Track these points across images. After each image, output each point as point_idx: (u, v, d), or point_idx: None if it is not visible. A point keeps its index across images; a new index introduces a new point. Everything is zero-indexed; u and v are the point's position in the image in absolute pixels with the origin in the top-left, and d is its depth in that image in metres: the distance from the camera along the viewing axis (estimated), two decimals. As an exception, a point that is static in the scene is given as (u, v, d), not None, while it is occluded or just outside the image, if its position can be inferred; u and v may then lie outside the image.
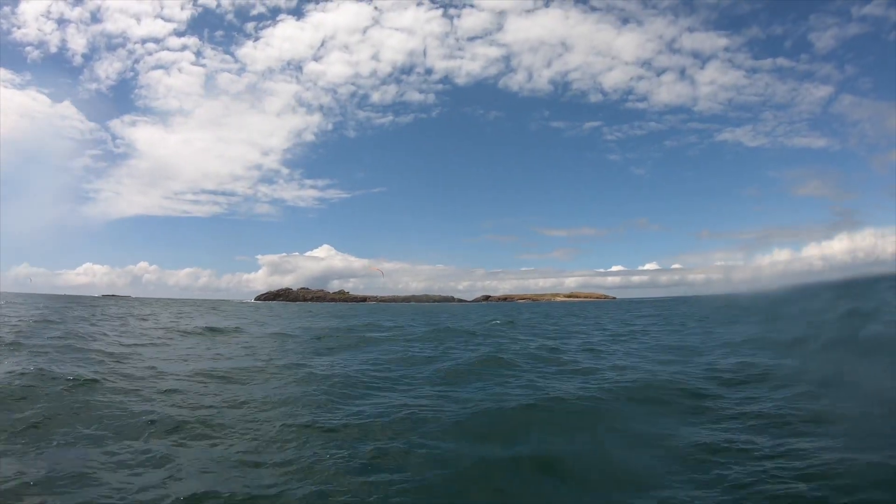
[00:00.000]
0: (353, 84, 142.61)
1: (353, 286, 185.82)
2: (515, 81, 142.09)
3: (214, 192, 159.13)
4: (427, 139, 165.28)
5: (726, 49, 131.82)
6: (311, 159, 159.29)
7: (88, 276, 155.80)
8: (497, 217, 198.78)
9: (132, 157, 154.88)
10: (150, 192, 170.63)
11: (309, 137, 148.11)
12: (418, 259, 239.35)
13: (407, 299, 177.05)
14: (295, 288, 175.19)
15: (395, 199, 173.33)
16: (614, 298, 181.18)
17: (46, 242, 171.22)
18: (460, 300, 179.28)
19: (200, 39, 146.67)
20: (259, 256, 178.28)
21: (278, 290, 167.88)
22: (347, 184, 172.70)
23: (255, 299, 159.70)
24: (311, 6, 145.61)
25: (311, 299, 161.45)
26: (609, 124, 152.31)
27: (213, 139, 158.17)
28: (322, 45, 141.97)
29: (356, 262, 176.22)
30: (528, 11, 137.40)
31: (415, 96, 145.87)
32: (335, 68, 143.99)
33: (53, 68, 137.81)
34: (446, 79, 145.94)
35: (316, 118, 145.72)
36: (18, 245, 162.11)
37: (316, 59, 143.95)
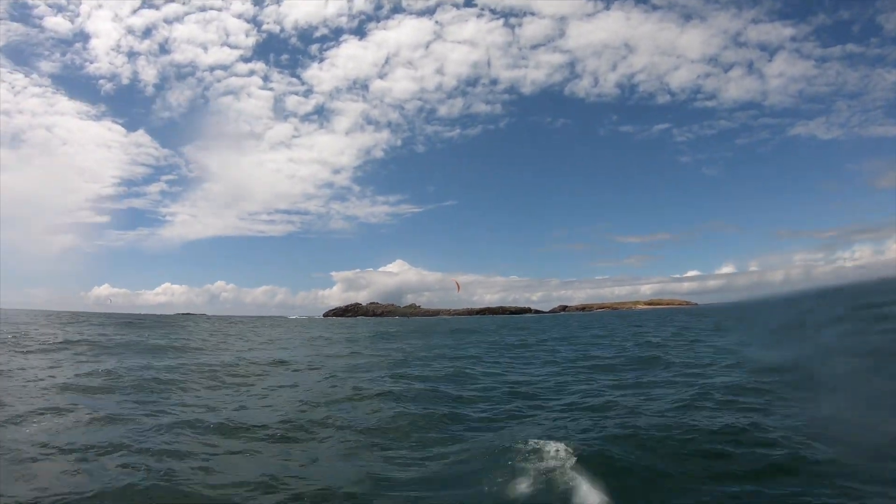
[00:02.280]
0: (419, 99, 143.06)
1: (426, 300, 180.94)
2: (581, 87, 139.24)
3: (288, 212, 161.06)
4: (496, 150, 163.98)
5: (793, 39, 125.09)
6: (381, 175, 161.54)
7: (167, 295, 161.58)
8: (569, 225, 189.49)
9: (206, 181, 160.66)
10: (225, 213, 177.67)
11: (378, 154, 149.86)
12: (490, 270, 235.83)
13: (482, 311, 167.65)
14: (365, 303, 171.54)
15: (465, 211, 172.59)
16: (696, 304, 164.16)
17: (126, 264, 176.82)
18: (536, 311, 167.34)
19: (267, 64, 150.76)
20: (333, 273, 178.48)
21: (347, 306, 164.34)
22: (418, 198, 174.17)
23: (325, 315, 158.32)
24: (372, 25, 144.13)
25: (381, 314, 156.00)
26: (678, 125, 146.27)
27: (284, 160, 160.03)
28: (386, 62, 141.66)
29: (429, 276, 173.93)
30: (589, 15, 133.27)
31: (481, 108, 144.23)
32: (401, 84, 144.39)
33: (127, 99, 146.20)
34: (512, 88, 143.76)
35: (384, 135, 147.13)
36: (98, 267, 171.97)
37: (381, 76, 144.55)
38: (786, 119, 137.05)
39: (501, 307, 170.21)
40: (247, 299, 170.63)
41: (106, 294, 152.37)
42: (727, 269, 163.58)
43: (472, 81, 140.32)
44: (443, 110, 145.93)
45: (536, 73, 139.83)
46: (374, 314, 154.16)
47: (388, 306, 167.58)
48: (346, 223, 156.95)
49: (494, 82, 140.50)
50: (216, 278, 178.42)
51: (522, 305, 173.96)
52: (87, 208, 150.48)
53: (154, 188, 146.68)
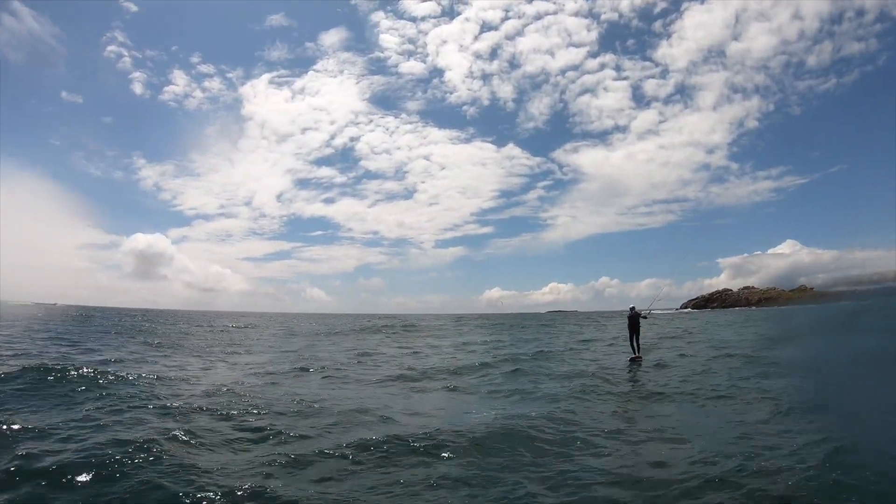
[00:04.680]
0: (783, 53, 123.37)
1: (821, 283, 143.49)
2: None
3: (666, 201, 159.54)
4: (879, 94, 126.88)
5: None
6: (759, 148, 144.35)
7: (554, 294, 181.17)
8: None
9: (581, 182, 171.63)
10: (603, 210, 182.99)
11: (752, 125, 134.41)
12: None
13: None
14: (754, 288, 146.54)
15: (857, 175, 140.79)
16: None
17: (513, 268, 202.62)
18: None
19: (615, 54, 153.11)
20: (720, 260, 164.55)
21: (711, 294, 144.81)
22: (802, 167, 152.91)
23: (680, 308, 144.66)
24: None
25: (758, 302, 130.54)
26: None
27: (654, 148, 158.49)
28: (737, 20, 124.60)
29: (824, 255, 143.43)
30: None
31: (853, 47, 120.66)
32: (759, 42, 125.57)
33: (491, 118, 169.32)
34: (882, 15, 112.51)
35: (754, 102, 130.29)
36: (488, 273, 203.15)
37: (735, 37, 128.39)
38: None
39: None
40: (631, 293, 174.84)
41: (497, 296, 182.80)
42: None
43: (836, 18, 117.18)
44: (811, 60, 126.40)
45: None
46: (749, 303, 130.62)
47: (767, 291, 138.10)
48: (728, 206, 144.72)
49: (861, 13, 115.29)
50: (600, 274, 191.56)
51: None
52: (472, 221, 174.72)
53: (532, 195, 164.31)
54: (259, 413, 8.40)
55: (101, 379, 10.56)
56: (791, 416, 8.25)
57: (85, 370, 11.17)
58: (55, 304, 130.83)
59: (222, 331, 38.41)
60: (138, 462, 5.62)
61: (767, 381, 11.94)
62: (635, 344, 17.22)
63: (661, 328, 37.72)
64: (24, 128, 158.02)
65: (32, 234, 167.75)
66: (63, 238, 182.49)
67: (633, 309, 17.54)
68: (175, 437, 6.58)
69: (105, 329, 32.53)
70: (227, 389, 10.37)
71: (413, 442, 6.77)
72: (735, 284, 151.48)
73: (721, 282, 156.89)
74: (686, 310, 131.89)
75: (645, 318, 17.91)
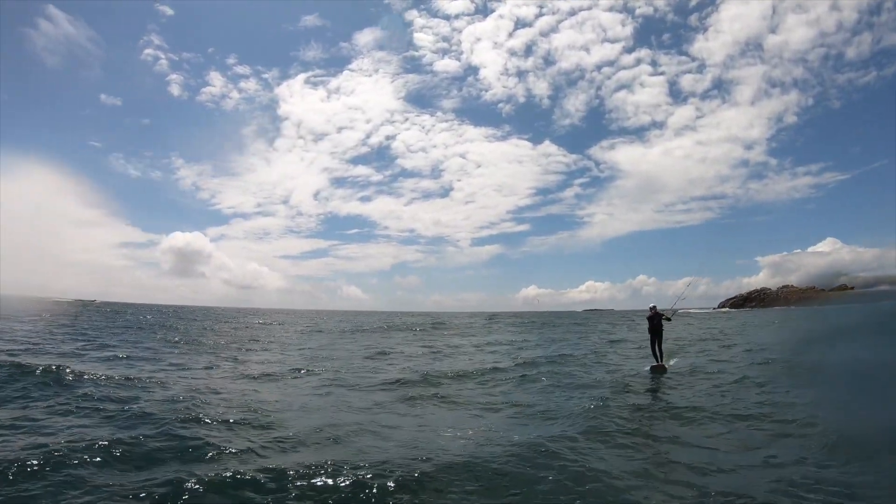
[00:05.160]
0: (821, 46, 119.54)
1: (862, 281, 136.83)
2: None
3: (704, 198, 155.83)
4: None
5: None
6: (798, 143, 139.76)
7: (590, 292, 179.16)
8: None
9: (618, 178, 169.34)
10: (640, 208, 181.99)
11: (791, 119, 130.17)
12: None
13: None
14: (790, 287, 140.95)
15: None
16: None
17: (550, 266, 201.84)
18: None
19: (651, 49, 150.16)
20: (759, 258, 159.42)
21: (749, 293, 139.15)
22: (843, 163, 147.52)
23: (718, 307, 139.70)
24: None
25: (797, 301, 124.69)
26: None
27: (691, 144, 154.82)
28: (774, 12, 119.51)
29: (865, 253, 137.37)
30: None
31: (894, 38, 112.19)
32: (796, 34, 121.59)
33: (526, 115, 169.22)
34: None
35: (793, 96, 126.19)
36: (524, 271, 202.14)
37: (772, 30, 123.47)
38: None
39: None
40: (668, 292, 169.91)
41: (533, 294, 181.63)
42: None
43: (875, 8, 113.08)
44: (850, 52, 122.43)
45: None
46: (787, 302, 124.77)
47: (806, 290, 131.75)
48: (767, 203, 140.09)
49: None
50: (637, 273, 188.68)
51: None
52: (509, 219, 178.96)
53: (569, 193, 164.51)
54: (199, 424, 7.48)
55: (67, 378, 10.23)
56: (837, 453, 6.54)
57: (53, 367, 10.86)
58: (94, 301, 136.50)
59: (247, 328, 38.82)
60: (32, 471, 5.33)
61: (809, 396, 10.52)
62: (658, 351, 14.79)
63: (695, 329, 35.94)
64: (63, 130, 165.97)
65: (73, 233, 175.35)
66: (102, 237, 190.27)
67: (653, 308, 15.03)
68: (89, 447, 6.06)
69: (130, 325, 33.28)
70: (195, 395, 9.54)
71: (322, 476, 5.49)
72: (774, 283, 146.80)
73: (759, 280, 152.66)
74: (724, 309, 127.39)
75: (669, 319, 14.96)
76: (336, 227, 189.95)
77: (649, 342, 15.10)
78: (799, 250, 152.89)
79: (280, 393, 10.67)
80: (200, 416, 7.88)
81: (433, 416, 9.05)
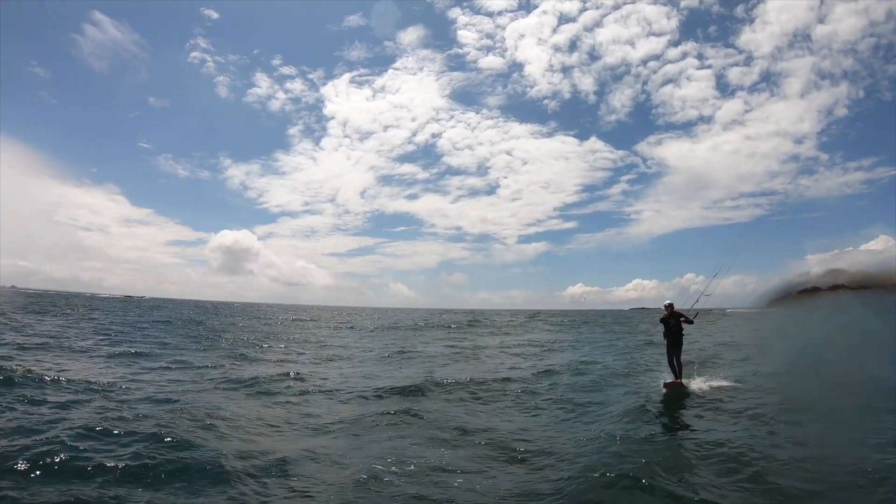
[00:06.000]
0: (871, 35, 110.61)
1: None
2: None
3: (753, 194, 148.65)
4: None
5: None
6: (849, 137, 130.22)
7: (637, 290, 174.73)
8: None
9: (666, 175, 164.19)
10: (688, 205, 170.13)
11: (841, 112, 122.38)
12: None
13: None
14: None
15: None
16: None
17: (597, 264, 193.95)
18: None
19: (697, 42, 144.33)
20: (808, 256, 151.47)
21: (800, 291, 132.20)
22: None
23: (769, 305, 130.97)
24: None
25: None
26: None
27: (739, 139, 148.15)
28: (821, 1, 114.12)
29: None
30: None
31: None
32: (845, 24, 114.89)
33: (572, 111, 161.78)
34: None
35: (843, 88, 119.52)
36: (571, 269, 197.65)
37: (821, 20, 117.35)
38: None
39: None
40: (717, 290, 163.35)
41: (580, 293, 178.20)
42: None
43: None
44: None
45: None
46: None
47: (859, 290, 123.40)
48: (818, 198, 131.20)
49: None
50: (685, 271, 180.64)
51: None
52: (555, 216, 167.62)
53: (616, 189, 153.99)
54: (118, 442, 6.53)
55: (17, 378, 9.84)
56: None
57: (14, 367, 10.67)
58: (143, 297, 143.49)
59: (280, 324, 39.29)
60: None
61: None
62: (675, 363, 11.66)
63: (736, 333, 32.47)
64: (112, 132, 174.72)
65: (123, 232, 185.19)
66: (153, 235, 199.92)
67: (669, 307, 11.78)
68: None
69: (162, 320, 34.31)
70: (148, 405, 8.66)
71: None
72: (824, 282, 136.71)
73: (811, 279, 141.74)
74: (772, 309, 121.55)
75: (690, 321, 11.70)
76: (383, 225, 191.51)
77: (666, 351, 11.90)
78: (851, 248, 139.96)
79: (238, 406, 9.21)
80: (106, 429, 6.96)
81: (380, 444, 7.30)
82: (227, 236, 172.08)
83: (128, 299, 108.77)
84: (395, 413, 8.99)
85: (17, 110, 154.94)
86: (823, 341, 14.47)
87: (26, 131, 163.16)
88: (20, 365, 11.12)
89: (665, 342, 11.84)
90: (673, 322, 11.62)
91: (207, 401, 9.38)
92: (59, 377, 10.41)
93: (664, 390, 11.32)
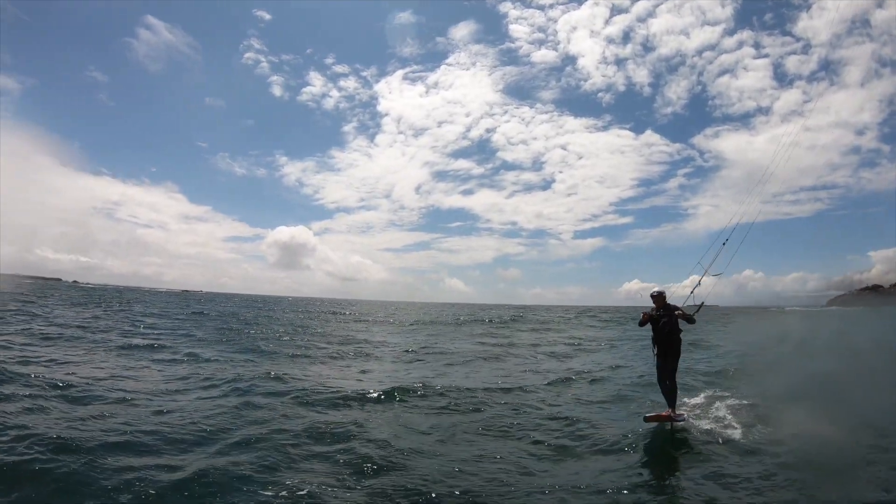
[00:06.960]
0: None
1: None
2: None
3: (814, 188, 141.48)
4: None
5: None
6: None
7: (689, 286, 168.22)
8: None
9: (723, 168, 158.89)
10: (746, 199, 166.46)
11: None
12: None
13: None
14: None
15: None
16: None
17: (653, 259, 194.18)
18: None
19: (753, 30, 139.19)
20: (871, 252, 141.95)
21: (860, 290, 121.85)
22: None
23: (828, 304, 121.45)
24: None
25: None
26: None
27: (799, 131, 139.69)
28: None
29: None
30: None
31: None
32: None
33: (627, 104, 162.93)
34: None
35: None
36: (627, 264, 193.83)
37: (879, 4, 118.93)
38: None
39: None
40: (777, 287, 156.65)
41: (636, 289, 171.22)
42: None
43: None
44: None
45: None
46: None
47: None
48: (877, 193, 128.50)
49: None
50: (743, 267, 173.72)
51: None
52: (611, 211, 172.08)
53: (672, 183, 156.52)
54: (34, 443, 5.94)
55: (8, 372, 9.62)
56: None
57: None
58: (200, 291, 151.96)
59: (318, 318, 39.97)
60: None
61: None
62: (668, 381, 7.99)
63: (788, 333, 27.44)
64: (170, 133, 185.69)
65: (184, 228, 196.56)
66: (210, 231, 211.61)
67: (660, 297, 8.24)
68: None
69: (202, 311, 35.77)
70: (116, 407, 8.07)
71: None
72: (888, 280, 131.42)
73: (872, 276, 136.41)
74: (832, 307, 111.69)
75: (692, 321, 8.18)
76: (438, 220, 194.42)
77: (655, 363, 8.21)
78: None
79: (176, 405, 8.53)
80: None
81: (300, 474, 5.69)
82: (284, 232, 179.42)
83: (185, 294, 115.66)
84: (344, 424, 7.69)
85: (77, 114, 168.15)
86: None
87: (86, 133, 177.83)
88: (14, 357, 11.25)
89: (654, 353, 8.12)
90: (665, 320, 8.02)
91: (192, 400, 9.06)
92: (37, 374, 9.90)
93: (645, 423, 7.83)
